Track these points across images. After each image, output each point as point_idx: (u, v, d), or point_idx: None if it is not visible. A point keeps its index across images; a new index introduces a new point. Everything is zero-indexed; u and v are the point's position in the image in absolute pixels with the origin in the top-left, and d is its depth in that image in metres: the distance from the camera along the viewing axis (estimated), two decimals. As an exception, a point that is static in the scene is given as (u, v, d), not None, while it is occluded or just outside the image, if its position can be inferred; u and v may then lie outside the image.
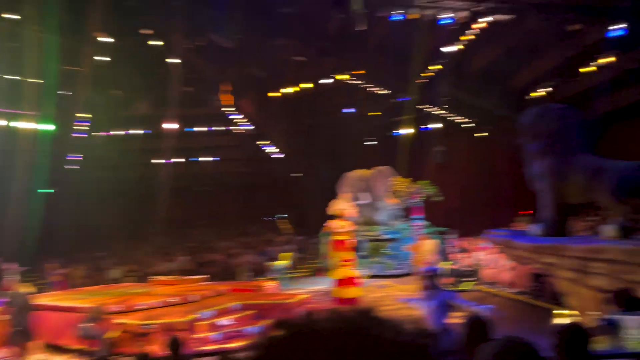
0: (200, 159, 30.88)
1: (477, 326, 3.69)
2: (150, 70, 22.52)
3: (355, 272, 14.03)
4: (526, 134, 11.18)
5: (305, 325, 1.02)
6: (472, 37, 18.50)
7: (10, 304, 9.84)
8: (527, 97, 22.04)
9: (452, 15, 16.83)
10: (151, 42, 21.01)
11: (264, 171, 30.54)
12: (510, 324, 8.29)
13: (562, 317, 7.77)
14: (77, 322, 9.44)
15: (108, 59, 20.44)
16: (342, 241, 14.02)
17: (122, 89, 25.07)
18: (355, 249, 14.59)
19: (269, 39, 20.25)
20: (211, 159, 31.07)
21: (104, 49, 20.02)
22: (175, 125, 25.17)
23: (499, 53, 20.57)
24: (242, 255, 21.46)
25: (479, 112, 25.21)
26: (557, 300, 10.18)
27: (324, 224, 14.78)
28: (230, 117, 28.75)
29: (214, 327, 10.32)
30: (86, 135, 25.18)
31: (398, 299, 7.39)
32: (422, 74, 22.25)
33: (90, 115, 24.18)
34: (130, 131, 28.28)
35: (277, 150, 30.41)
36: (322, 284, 15.98)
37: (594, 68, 18.76)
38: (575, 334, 3.10)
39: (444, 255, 16.81)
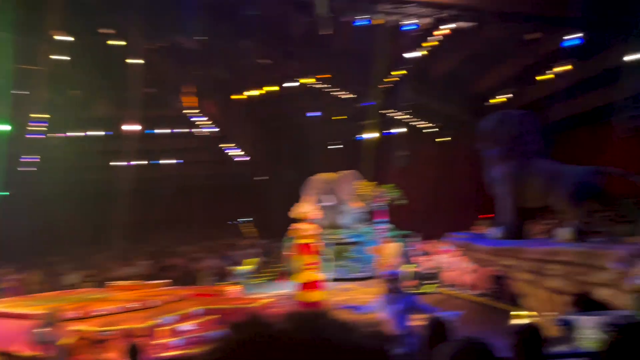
0: (162, 161, 30.33)
1: (437, 328, 3.75)
2: (111, 70, 21.97)
3: (319, 275, 14.03)
4: (487, 139, 11.43)
5: (262, 328, 1.00)
6: (435, 43, 18.80)
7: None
8: (487, 103, 22.57)
9: (416, 21, 17.05)
10: (112, 42, 20.53)
11: (228, 174, 30.22)
12: (471, 326, 8.42)
13: (520, 318, 7.93)
14: (30, 329, 9.12)
15: (67, 58, 19.87)
16: (307, 244, 14.00)
17: (82, 89, 24.41)
18: (319, 252, 14.61)
19: (233, 41, 20.07)
20: (174, 161, 30.56)
21: (62, 47, 19.45)
22: (136, 127, 24.64)
23: (461, 60, 20.98)
24: (205, 260, 21.20)
25: (441, 117, 25.67)
26: (516, 301, 10.41)
27: (289, 228, 14.74)
28: (194, 119, 28.37)
29: (175, 333, 10.15)
30: (44, 136, 24.41)
31: (354, 309, 7.41)
32: (386, 79, 22.48)
33: (48, 116, 23.45)
34: (90, 132, 27.55)
35: (242, 153, 30.15)
36: (286, 288, 15.95)
37: (551, 75, 19.38)
38: (531, 334, 3.17)
39: (406, 258, 17.02)
